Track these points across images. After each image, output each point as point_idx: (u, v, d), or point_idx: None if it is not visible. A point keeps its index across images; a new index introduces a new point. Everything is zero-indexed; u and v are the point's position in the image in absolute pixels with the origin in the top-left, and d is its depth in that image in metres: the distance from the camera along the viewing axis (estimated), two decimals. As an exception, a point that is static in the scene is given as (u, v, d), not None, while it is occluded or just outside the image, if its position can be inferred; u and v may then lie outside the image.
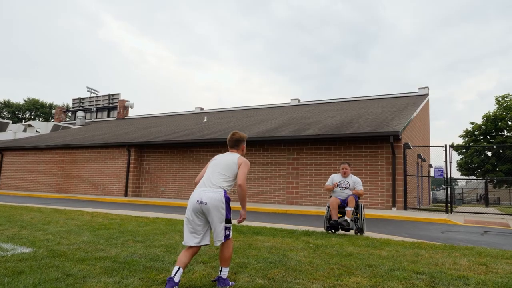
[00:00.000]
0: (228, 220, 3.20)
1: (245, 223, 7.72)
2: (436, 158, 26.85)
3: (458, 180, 38.87)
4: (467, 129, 37.67)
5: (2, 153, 22.85)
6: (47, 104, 58.50)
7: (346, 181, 6.62)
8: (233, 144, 3.55)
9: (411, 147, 14.30)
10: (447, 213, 12.37)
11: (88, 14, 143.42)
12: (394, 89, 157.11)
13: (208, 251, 4.58)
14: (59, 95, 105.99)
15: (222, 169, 3.33)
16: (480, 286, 3.30)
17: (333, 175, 6.88)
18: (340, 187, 6.59)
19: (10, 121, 33.67)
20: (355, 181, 6.60)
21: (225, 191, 3.23)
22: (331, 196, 6.71)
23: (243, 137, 3.58)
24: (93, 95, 37.40)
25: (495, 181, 33.57)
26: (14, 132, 29.82)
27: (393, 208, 12.71)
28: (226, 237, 3.19)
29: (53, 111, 40.22)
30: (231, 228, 3.26)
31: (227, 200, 3.21)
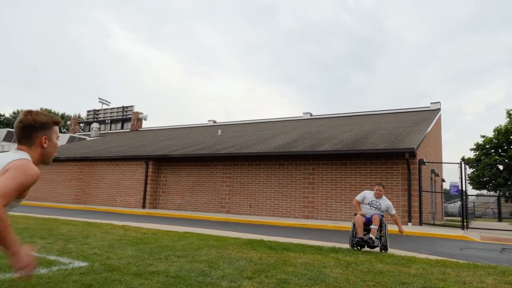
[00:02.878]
0: None
1: (272, 238, 8.03)
2: (449, 173, 26.92)
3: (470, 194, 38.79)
4: (478, 143, 37.65)
5: (22, 164, 23.46)
6: (59, 115, 59.74)
7: (378, 202, 6.96)
8: (21, 134, 1.92)
9: (426, 163, 14.54)
10: (463, 229, 12.54)
11: (97, 25, 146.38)
12: (402, 99, 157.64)
13: (248, 267, 4.88)
14: (68, 105, 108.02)
15: None
16: (509, 304, 3.60)
17: (365, 192, 7.20)
18: (370, 206, 6.94)
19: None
20: (388, 206, 6.96)
21: None
22: (355, 214, 7.04)
23: (41, 121, 1.93)
24: (105, 106, 38.30)
25: (507, 194, 33.49)
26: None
27: (409, 223, 12.92)
28: None
29: (68, 122, 41.06)
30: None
31: None
